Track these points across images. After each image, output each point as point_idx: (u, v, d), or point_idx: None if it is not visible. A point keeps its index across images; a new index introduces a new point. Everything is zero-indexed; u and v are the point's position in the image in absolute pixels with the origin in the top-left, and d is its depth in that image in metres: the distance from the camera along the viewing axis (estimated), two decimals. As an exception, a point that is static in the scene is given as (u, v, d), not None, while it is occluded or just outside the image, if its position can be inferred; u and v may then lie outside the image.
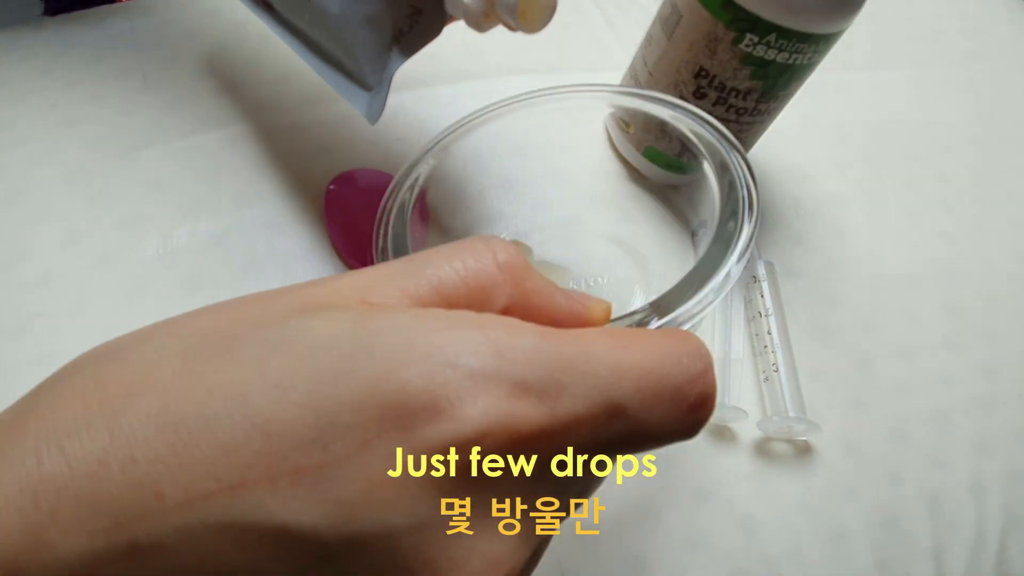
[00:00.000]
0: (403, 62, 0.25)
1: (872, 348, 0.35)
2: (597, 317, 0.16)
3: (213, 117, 0.36)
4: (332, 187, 0.34)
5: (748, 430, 0.32)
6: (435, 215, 0.31)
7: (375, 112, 0.26)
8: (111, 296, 0.31)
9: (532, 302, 0.15)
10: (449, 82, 0.40)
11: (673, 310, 0.19)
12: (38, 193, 0.33)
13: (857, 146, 0.43)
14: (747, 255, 0.21)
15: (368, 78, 0.27)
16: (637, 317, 0.19)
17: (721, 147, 0.25)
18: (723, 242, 0.21)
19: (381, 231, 0.26)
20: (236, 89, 0.37)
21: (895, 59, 0.48)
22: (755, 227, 0.22)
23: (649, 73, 0.34)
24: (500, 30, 0.24)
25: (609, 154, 0.38)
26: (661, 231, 0.33)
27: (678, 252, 0.31)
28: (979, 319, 0.37)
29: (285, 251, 0.33)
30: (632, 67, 0.36)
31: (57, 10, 0.40)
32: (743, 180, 0.23)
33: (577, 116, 0.30)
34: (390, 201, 0.27)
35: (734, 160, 0.24)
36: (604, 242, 0.33)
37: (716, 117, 0.33)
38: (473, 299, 0.15)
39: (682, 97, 0.33)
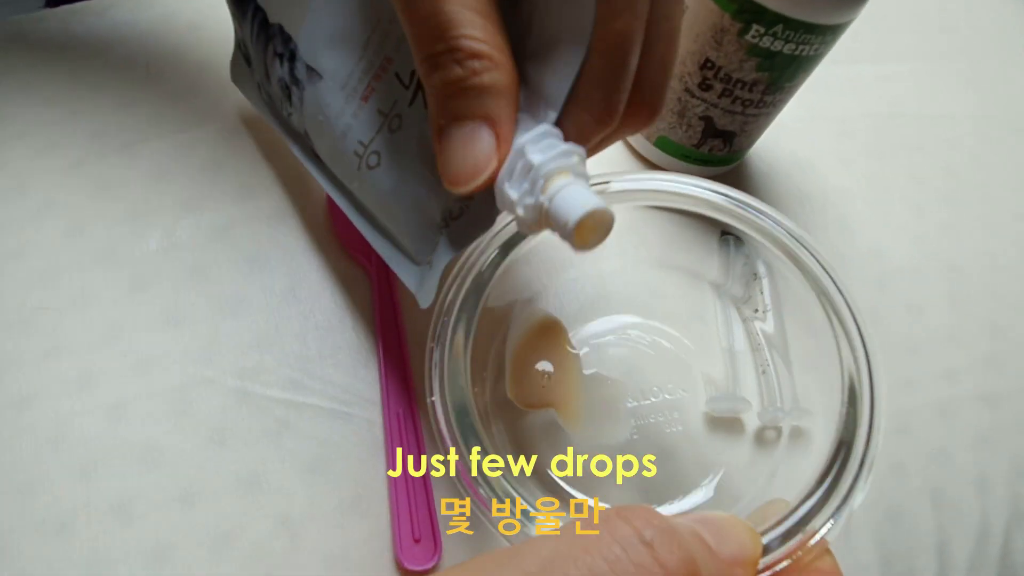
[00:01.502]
0: (453, 255, 0.23)
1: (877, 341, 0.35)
2: (756, 556, 0.17)
3: (216, 109, 0.36)
4: (335, 179, 0.34)
5: (752, 421, 0.32)
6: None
7: (426, 294, 0.25)
8: (114, 289, 0.31)
9: None
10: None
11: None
12: (40, 186, 0.33)
13: (862, 139, 0.43)
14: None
15: (416, 255, 0.26)
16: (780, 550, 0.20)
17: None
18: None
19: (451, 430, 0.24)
20: (239, 81, 0.37)
21: (900, 52, 0.48)
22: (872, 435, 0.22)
23: (654, 65, 0.34)
24: None
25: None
26: (688, 296, 0.33)
27: (708, 314, 0.32)
28: (984, 312, 0.37)
29: (288, 243, 0.33)
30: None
31: (58, 2, 0.40)
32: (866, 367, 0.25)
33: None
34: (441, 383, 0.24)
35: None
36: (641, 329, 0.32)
37: (721, 109, 0.33)
38: None
39: (687, 89, 0.33)
